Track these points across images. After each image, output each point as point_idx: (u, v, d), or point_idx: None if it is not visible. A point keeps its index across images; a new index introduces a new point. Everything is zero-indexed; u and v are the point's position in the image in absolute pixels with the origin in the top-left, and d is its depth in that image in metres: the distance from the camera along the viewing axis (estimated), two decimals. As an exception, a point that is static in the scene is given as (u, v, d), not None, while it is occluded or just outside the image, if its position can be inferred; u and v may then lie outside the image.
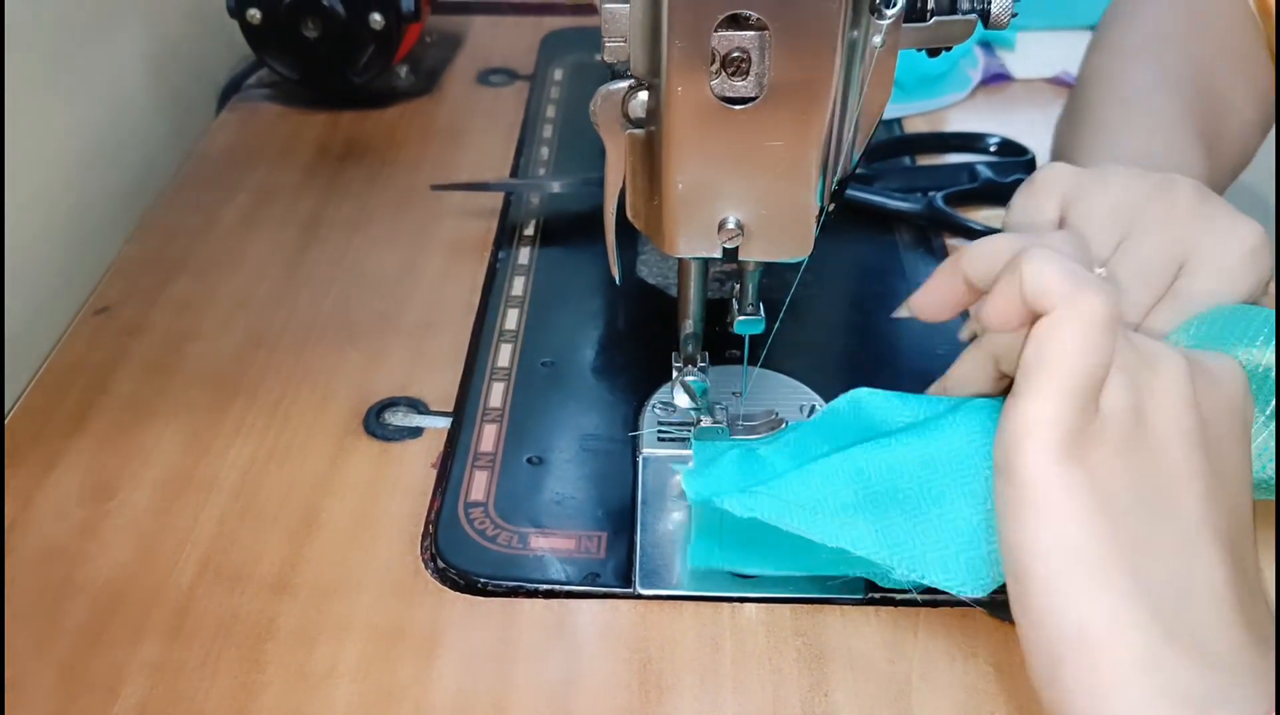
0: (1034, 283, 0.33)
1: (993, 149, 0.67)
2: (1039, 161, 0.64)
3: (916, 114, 0.71)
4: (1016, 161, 0.65)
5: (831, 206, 0.39)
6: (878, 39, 0.35)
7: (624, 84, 0.36)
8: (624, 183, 0.39)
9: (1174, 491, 0.33)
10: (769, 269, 0.42)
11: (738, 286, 0.41)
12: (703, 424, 0.45)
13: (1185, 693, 0.29)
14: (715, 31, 0.33)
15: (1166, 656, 0.30)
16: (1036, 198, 0.45)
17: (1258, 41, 0.54)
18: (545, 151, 0.69)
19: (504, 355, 0.52)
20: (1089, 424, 0.32)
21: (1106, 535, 0.31)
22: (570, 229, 0.61)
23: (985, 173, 0.63)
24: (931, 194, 0.61)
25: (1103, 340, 0.32)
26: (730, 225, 0.37)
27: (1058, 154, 0.58)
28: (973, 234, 0.58)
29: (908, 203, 0.61)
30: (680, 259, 0.41)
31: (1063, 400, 0.31)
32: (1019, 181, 0.48)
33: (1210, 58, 0.55)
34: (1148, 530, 0.32)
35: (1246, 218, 0.43)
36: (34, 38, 0.58)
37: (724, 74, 0.34)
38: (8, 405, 0.51)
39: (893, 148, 0.67)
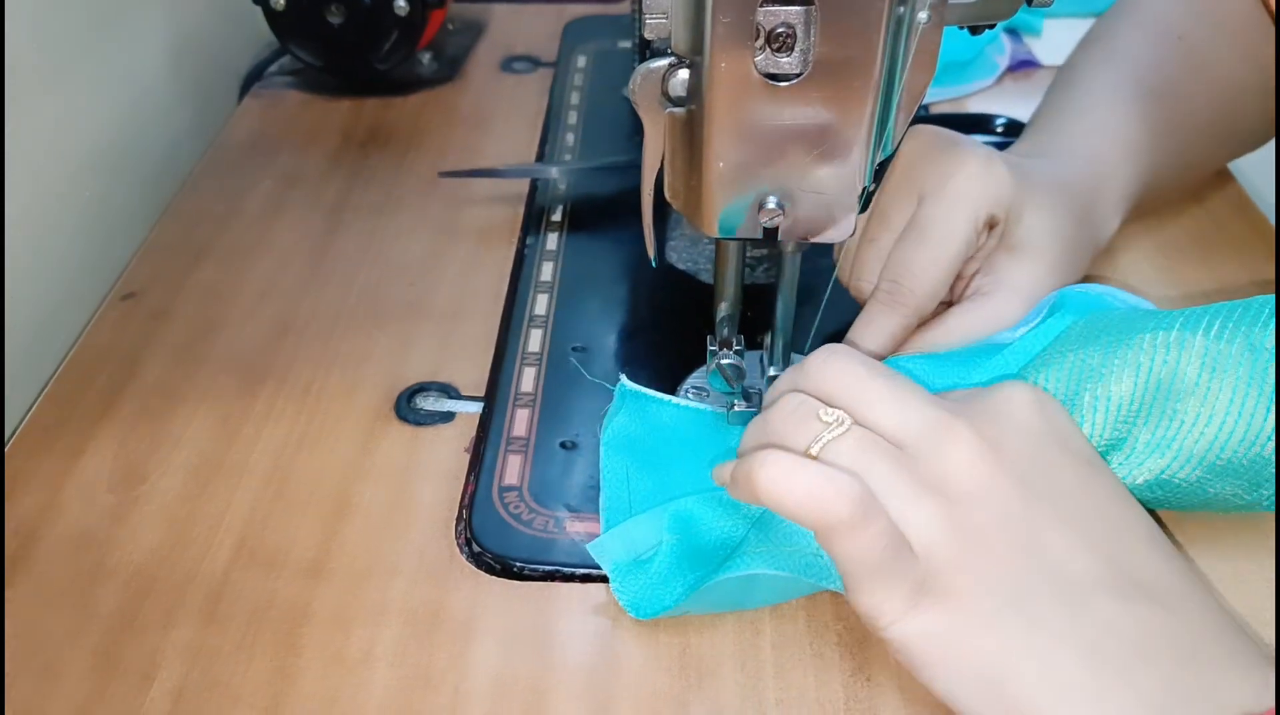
0: (773, 501, 0.33)
1: (1000, 130, 0.67)
2: None
3: (944, 99, 0.71)
4: None
5: (872, 187, 0.38)
6: (924, 14, 0.34)
7: (664, 62, 0.36)
8: (661, 163, 0.38)
9: (1032, 565, 0.33)
10: (805, 254, 0.42)
11: (769, 338, 0.43)
12: (737, 408, 0.45)
13: None
14: (761, 6, 0.32)
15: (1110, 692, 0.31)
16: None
17: (1255, 7, 0.54)
18: (570, 138, 0.68)
19: (534, 340, 0.52)
20: (915, 571, 0.33)
21: (999, 650, 0.32)
22: (598, 214, 0.61)
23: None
24: None
25: (864, 525, 0.32)
26: (771, 205, 0.37)
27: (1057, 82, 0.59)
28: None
29: None
30: (718, 240, 0.41)
31: (875, 588, 0.33)
32: None
33: (1188, 24, 0.55)
34: (1032, 611, 0.32)
35: (977, 148, 0.46)
36: (56, 27, 0.58)
37: (768, 50, 0.33)
38: (37, 391, 0.51)
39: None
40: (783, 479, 0.33)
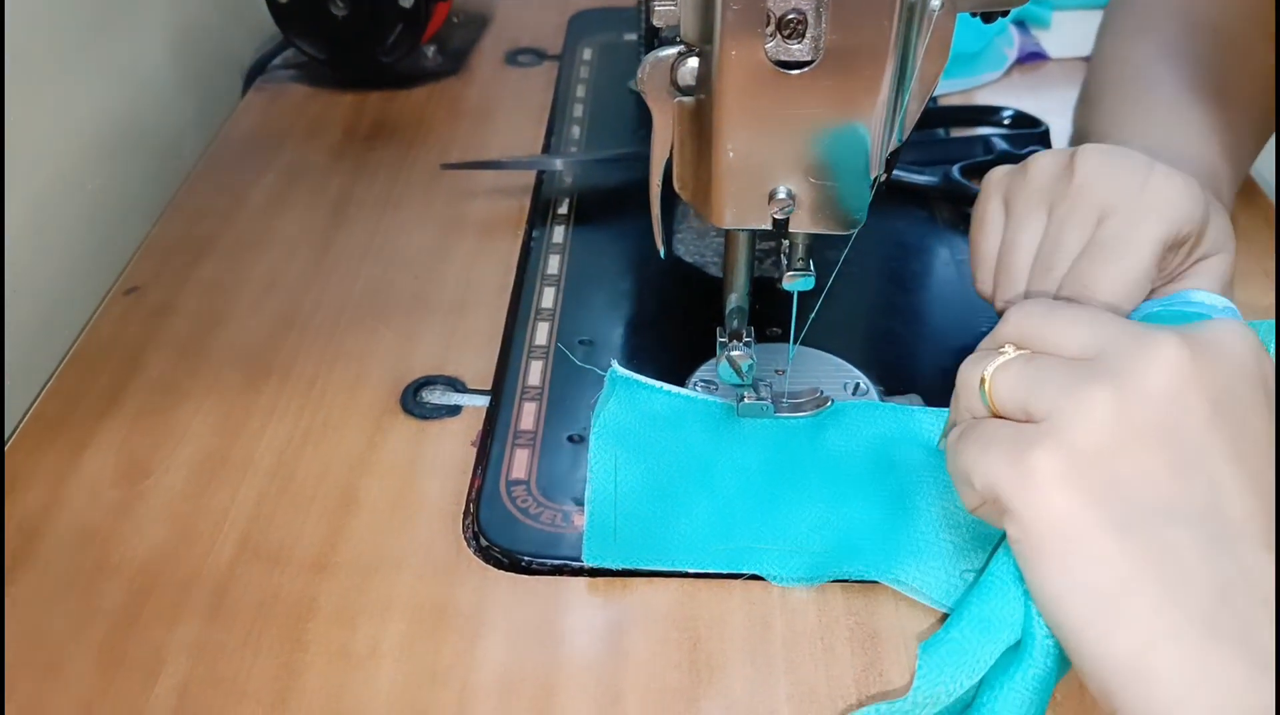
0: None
1: (1007, 122, 0.67)
2: (1053, 135, 0.64)
3: (953, 91, 0.70)
4: (1031, 133, 0.64)
5: (884, 177, 0.38)
6: (936, 2, 0.34)
7: (672, 50, 0.35)
8: (670, 154, 0.38)
9: (1190, 489, 0.31)
10: (813, 243, 0.41)
11: (787, 243, 0.40)
12: (747, 401, 0.44)
13: (1240, 704, 0.28)
14: (772, -8, 0.32)
15: (1213, 665, 0.29)
16: (982, 205, 0.47)
17: None
18: (576, 131, 0.68)
19: (541, 334, 0.51)
20: (1049, 440, 0.31)
21: (1124, 559, 0.30)
22: (604, 207, 0.61)
23: (1001, 145, 0.63)
24: (948, 167, 0.60)
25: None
26: (781, 195, 0.36)
27: (1076, 139, 0.57)
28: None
29: (925, 176, 0.61)
30: (728, 231, 0.40)
31: (994, 448, 0.32)
32: (1034, 152, 0.48)
33: (1220, 10, 0.54)
34: (1173, 534, 0.30)
35: (1160, 166, 0.43)
36: (59, 20, 0.57)
37: (779, 37, 0.33)
38: (40, 386, 0.51)
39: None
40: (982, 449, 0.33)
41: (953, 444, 0.35)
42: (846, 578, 0.39)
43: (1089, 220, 0.42)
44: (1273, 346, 0.38)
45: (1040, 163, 0.45)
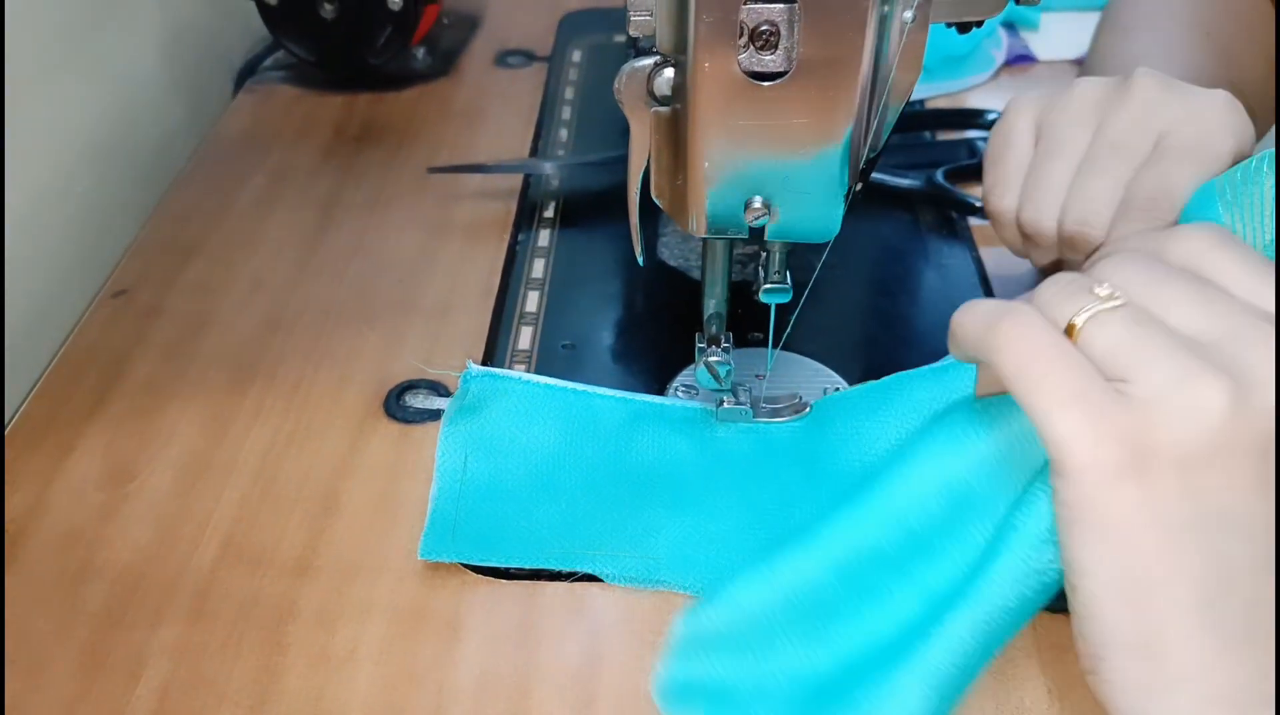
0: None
1: (991, 124, 0.67)
2: None
3: (940, 94, 0.71)
4: None
5: (859, 186, 0.38)
6: (909, 13, 0.34)
7: (649, 61, 0.36)
8: (648, 162, 0.38)
9: (1267, 507, 0.29)
10: (791, 249, 0.42)
11: (764, 255, 0.41)
12: (726, 405, 0.45)
13: (1234, 697, 0.29)
14: (744, 4, 0.32)
15: (1222, 665, 0.29)
16: (1010, 123, 0.47)
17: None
18: (564, 133, 0.68)
19: (524, 338, 0.51)
20: (1137, 423, 0.28)
21: (1171, 557, 0.29)
22: (590, 210, 0.61)
23: (984, 148, 0.62)
24: (932, 170, 0.61)
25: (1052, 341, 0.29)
26: (757, 204, 0.37)
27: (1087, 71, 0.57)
28: (972, 210, 0.58)
29: (909, 179, 0.61)
30: (705, 239, 0.41)
31: (1075, 409, 0.28)
32: None
33: (1214, 16, 0.54)
34: (1229, 545, 0.29)
35: (1209, 91, 0.43)
36: (47, 21, 0.58)
37: (752, 48, 0.33)
38: (26, 389, 0.51)
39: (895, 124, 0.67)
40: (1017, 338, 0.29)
41: (1020, 371, 0.30)
42: (674, 589, 0.40)
43: (1152, 130, 0.42)
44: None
45: (1083, 85, 0.45)
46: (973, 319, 0.32)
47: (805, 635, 0.34)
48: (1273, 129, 0.57)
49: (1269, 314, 0.30)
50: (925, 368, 0.44)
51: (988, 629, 0.32)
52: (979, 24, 0.37)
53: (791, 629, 0.34)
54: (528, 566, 0.41)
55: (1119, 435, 0.28)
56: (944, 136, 0.66)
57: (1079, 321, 0.30)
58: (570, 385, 0.46)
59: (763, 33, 0.33)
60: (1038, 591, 0.32)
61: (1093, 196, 0.43)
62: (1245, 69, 0.53)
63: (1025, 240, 0.47)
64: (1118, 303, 0.30)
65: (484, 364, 0.50)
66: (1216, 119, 0.42)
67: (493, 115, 0.70)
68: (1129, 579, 0.29)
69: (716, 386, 0.44)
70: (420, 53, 0.74)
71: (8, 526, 0.43)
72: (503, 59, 0.77)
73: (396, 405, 0.48)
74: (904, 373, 0.44)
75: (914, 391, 0.44)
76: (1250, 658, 0.29)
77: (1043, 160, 0.45)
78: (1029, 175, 0.45)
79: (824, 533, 0.34)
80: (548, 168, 0.62)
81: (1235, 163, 0.41)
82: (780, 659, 0.34)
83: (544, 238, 0.58)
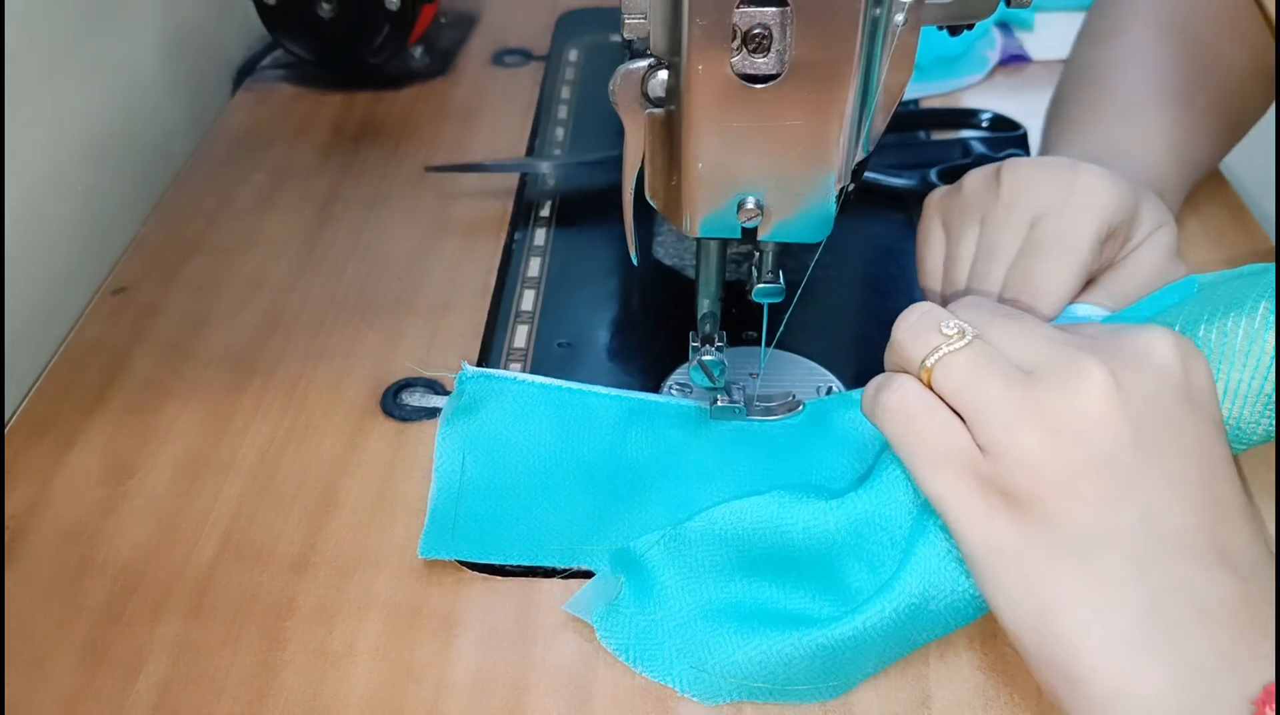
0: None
1: (985, 125, 0.67)
2: (1033, 138, 0.64)
3: (934, 94, 0.71)
4: (1009, 137, 0.65)
5: (851, 187, 0.38)
6: (900, 17, 0.34)
7: (643, 63, 0.36)
8: (642, 163, 0.38)
9: (1120, 515, 0.32)
10: (785, 249, 0.42)
11: (757, 254, 0.41)
12: (720, 403, 0.45)
13: (1164, 706, 0.30)
14: (737, 8, 0.33)
15: (1139, 673, 0.31)
16: (925, 223, 0.50)
17: None
18: (560, 132, 0.68)
19: (520, 336, 0.52)
20: (989, 471, 0.33)
21: (1056, 584, 0.32)
22: (586, 210, 0.61)
23: (978, 148, 0.63)
24: (926, 170, 0.61)
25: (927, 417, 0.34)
26: (750, 205, 0.37)
27: (1044, 142, 0.58)
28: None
29: (903, 179, 0.61)
30: (699, 239, 0.41)
31: (941, 473, 0.34)
32: (1011, 156, 0.49)
33: (1190, 16, 0.55)
34: (1103, 560, 0.32)
35: (1084, 165, 0.45)
36: (48, 20, 0.58)
37: (745, 51, 0.34)
38: (27, 386, 0.51)
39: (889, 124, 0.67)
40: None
41: (892, 421, 0.35)
42: None
43: (1021, 224, 0.44)
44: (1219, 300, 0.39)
45: (970, 179, 0.47)
46: (867, 391, 0.37)
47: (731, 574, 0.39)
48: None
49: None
50: None
51: (894, 623, 0.36)
52: (969, 27, 0.38)
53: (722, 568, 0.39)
54: (526, 564, 0.41)
55: (980, 484, 0.33)
56: (938, 136, 0.67)
57: (930, 362, 0.35)
58: (565, 384, 0.46)
59: (755, 35, 0.33)
60: (953, 603, 0.36)
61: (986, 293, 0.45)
62: (1225, 66, 0.54)
63: None
64: (964, 342, 0.35)
65: (480, 362, 0.50)
66: (1077, 201, 0.44)
67: (490, 114, 0.71)
68: (1029, 612, 0.32)
69: (710, 385, 0.44)
70: (418, 52, 0.74)
71: (8, 523, 0.44)
72: (500, 58, 0.77)
73: (394, 403, 0.49)
74: None
75: None
76: (1162, 664, 0.30)
77: (949, 265, 0.47)
78: (943, 278, 0.48)
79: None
80: (544, 167, 0.63)
81: (1100, 242, 0.43)
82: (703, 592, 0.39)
83: (540, 236, 0.59)
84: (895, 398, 0.35)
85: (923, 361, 0.35)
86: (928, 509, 0.37)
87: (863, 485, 0.39)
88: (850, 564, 0.38)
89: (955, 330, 0.35)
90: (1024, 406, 0.33)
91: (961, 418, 0.34)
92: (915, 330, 0.36)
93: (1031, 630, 0.32)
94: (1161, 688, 0.30)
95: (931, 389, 0.35)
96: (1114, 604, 0.31)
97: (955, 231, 0.47)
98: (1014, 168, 0.46)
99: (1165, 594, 0.31)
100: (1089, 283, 0.45)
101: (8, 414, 0.50)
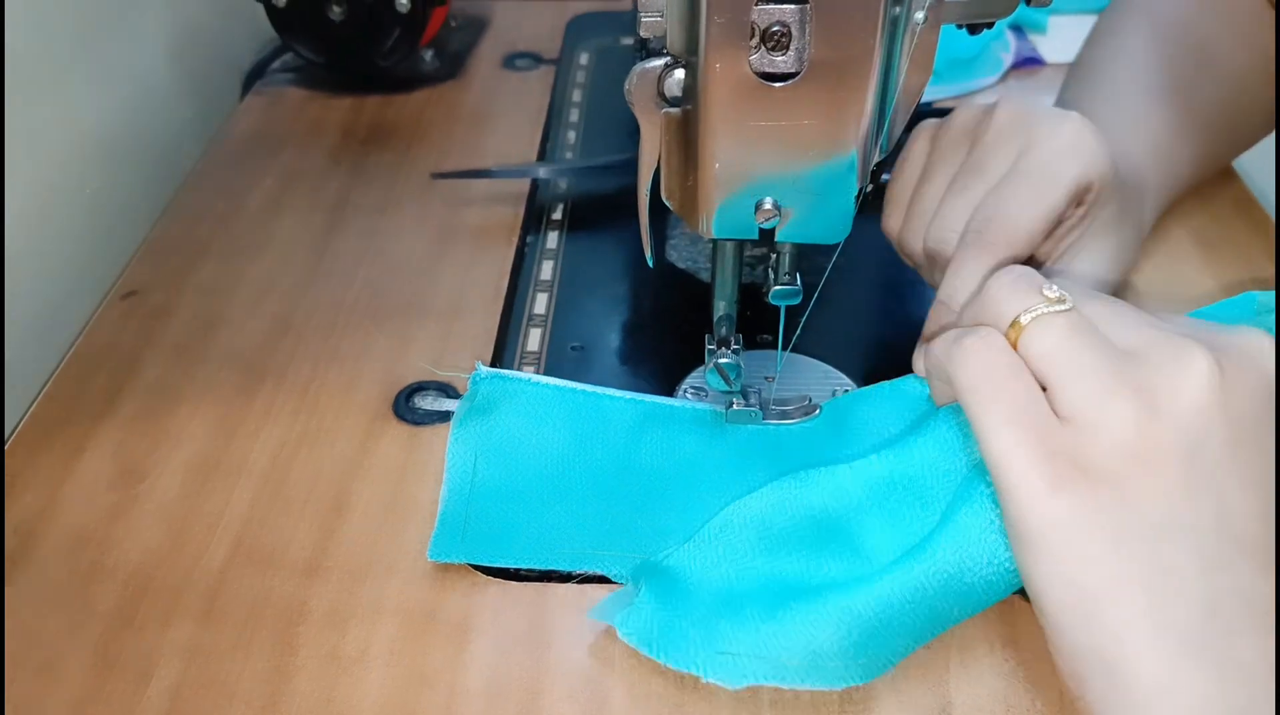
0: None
1: None
2: None
3: (948, 97, 0.71)
4: None
5: (869, 187, 0.38)
6: (920, 14, 0.34)
7: (659, 62, 0.36)
8: (658, 164, 0.38)
9: (1198, 509, 0.31)
10: (801, 250, 0.42)
11: (774, 256, 0.41)
12: (735, 407, 0.45)
13: (1205, 711, 0.29)
14: (756, 5, 0.32)
15: (1184, 674, 0.30)
16: (909, 145, 0.50)
17: None
18: (572, 136, 0.68)
19: (533, 340, 0.52)
20: (1066, 441, 0.32)
21: (1117, 566, 0.31)
22: (599, 213, 0.61)
23: None
24: None
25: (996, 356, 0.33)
26: (767, 206, 0.37)
27: (1067, 80, 0.59)
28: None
29: None
30: (715, 240, 0.41)
31: (1015, 429, 0.32)
32: None
33: (1193, 16, 0.55)
34: (1171, 550, 0.31)
35: (1076, 115, 0.45)
36: (57, 23, 0.58)
37: (764, 49, 0.33)
38: (37, 390, 0.51)
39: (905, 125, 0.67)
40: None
41: (966, 386, 0.34)
42: None
43: (1010, 151, 0.44)
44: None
45: (963, 110, 0.48)
46: (943, 338, 0.36)
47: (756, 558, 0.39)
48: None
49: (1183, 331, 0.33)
50: None
51: (922, 593, 0.35)
52: (989, 25, 0.37)
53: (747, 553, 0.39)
54: (537, 568, 0.41)
55: (1051, 453, 0.31)
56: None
57: (1025, 320, 0.33)
58: (580, 386, 0.46)
59: (774, 33, 0.33)
60: (987, 577, 0.35)
61: (948, 214, 0.45)
62: (1228, 63, 0.53)
63: (912, 260, 0.49)
64: (1064, 307, 0.33)
65: (493, 366, 0.50)
66: (1065, 142, 0.43)
67: (501, 118, 0.70)
68: (1078, 594, 0.31)
69: (726, 388, 0.44)
70: (428, 55, 0.74)
71: (18, 527, 0.43)
72: (510, 61, 0.77)
73: (406, 407, 0.48)
74: (914, 374, 0.44)
75: (924, 392, 0.43)
76: (1211, 665, 0.30)
77: (921, 183, 0.47)
78: (911, 198, 0.48)
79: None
80: (550, 172, 0.62)
81: (1079, 189, 0.43)
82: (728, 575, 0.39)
83: (552, 240, 0.59)
84: (980, 343, 0.34)
85: (1016, 318, 0.34)
86: (979, 471, 0.35)
87: (883, 450, 0.39)
88: (867, 521, 0.38)
89: (1056, 294, 0.34)
90: (1121, 378, 0.32)
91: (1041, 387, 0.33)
92: (1014, 287, 0.34)
93: (1074, 612, 0.31)
94: (1207, 691, 0.29)
95: (1016, 351, 0.34)
96: (1174, 597, 0.30)
97: (939, 152, 0.47)
98: (1010, 103, 0.46)
99: (1227, 595, 0.30)
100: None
101: (17, 419, 0.50)
